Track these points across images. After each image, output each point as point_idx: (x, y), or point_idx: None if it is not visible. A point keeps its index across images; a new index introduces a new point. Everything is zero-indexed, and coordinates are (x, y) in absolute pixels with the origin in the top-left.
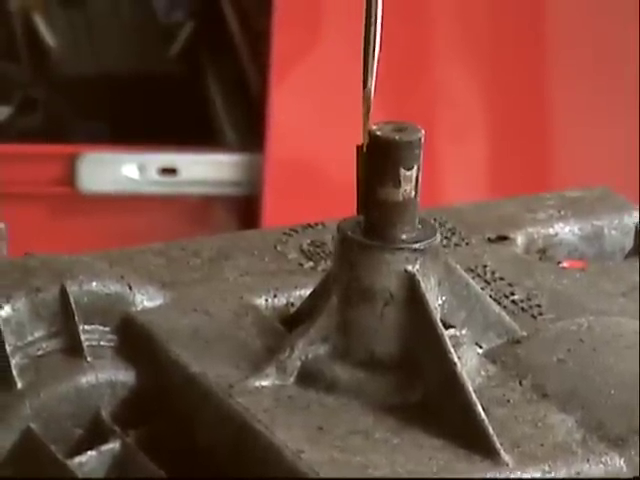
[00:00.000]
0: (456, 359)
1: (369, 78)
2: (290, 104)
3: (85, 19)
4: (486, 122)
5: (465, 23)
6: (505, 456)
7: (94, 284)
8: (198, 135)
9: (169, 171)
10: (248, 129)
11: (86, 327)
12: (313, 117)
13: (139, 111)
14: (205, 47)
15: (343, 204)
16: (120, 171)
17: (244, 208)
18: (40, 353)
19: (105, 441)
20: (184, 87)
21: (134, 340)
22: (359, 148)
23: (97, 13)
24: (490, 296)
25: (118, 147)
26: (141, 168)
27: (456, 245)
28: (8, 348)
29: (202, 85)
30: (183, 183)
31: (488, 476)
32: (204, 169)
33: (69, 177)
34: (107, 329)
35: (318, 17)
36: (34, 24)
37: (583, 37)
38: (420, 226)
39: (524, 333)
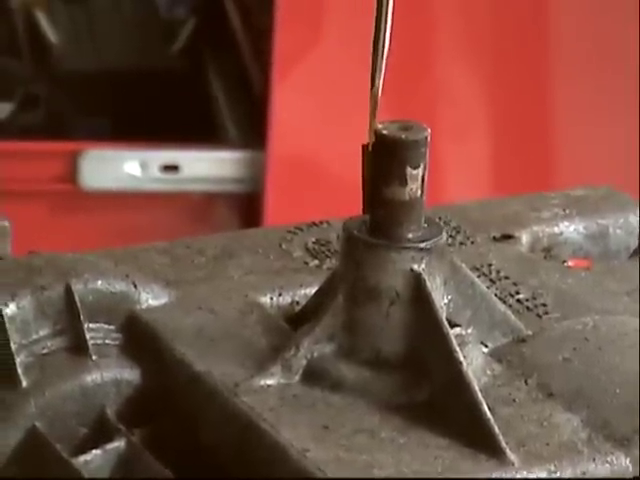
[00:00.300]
0: (462, 358)
1: (377, 77)
2: (292, 101)
3: (87, 15)
4: (488, 121)
5: (467, 22)
6: (511, 455)
7: (99, 282)
8: (200, 132)
9: (171, 168)
10: (250, 126)
11: (91, 325)
12: (315, 114)
13: (141, 108)
14: (207, 44)
15: (345, 201)
16: (122, 168)
17: (246, 205)
18: (45, 351)
19: (110, 440)
20: (186, 84)
21: (139, 339)
22: (365, 147)
23: (99, 9)
24: (495, 295)
25: (120, 144)
26: (143, 165)
27: (461, 244)
28: (13, 346)
29: (204, 82)
30: (185, 180)
31: (494, 476)
32: (206, 166)
33: (71, 174)
34: (112, 327)
35: (320, 14)
36: (36, 20)
37: (585, 36)
38: (426, 225)
39: (529, 332)
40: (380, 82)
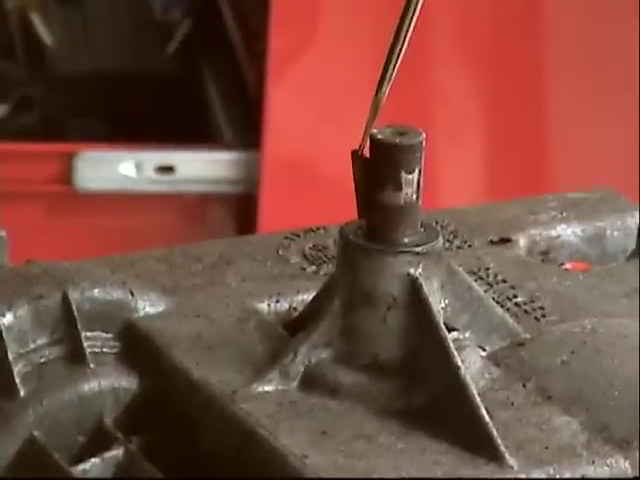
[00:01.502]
0: (459, 362)
1: (385, 84)
2: (287, 102)
3: (82, 17)
4: (483, 122)
5: (462, 22)
6: (510, 459)
7: (96, 291)
8: (195, 133)
9: (166, 169)
10: (245, 127)
11: (88, 334)
12: (310, 115)
13: (136, 109)
14: (202, 45)
15: (340, 202)
16: (117, 169)
17: (241, 206)
18: (42, 360)
19: (108, 448)
20: (181, 85)
21: (136, 346)
22: (354, 153)
23: (94, 11)
24: (493, 299)
25: (115, 145)
26: (138, 166)
27: (458, 248)
28: (10, 356)
29: (199, 83)
30: (180, 181)
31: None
32: (201, 167)
33: (66, 175)
34: (109, 336)
35: (315, 15)
36: (31, 23)
37: (581, 36)
38: (422, 229)
39: (527, 335)
40: (387, 90)
